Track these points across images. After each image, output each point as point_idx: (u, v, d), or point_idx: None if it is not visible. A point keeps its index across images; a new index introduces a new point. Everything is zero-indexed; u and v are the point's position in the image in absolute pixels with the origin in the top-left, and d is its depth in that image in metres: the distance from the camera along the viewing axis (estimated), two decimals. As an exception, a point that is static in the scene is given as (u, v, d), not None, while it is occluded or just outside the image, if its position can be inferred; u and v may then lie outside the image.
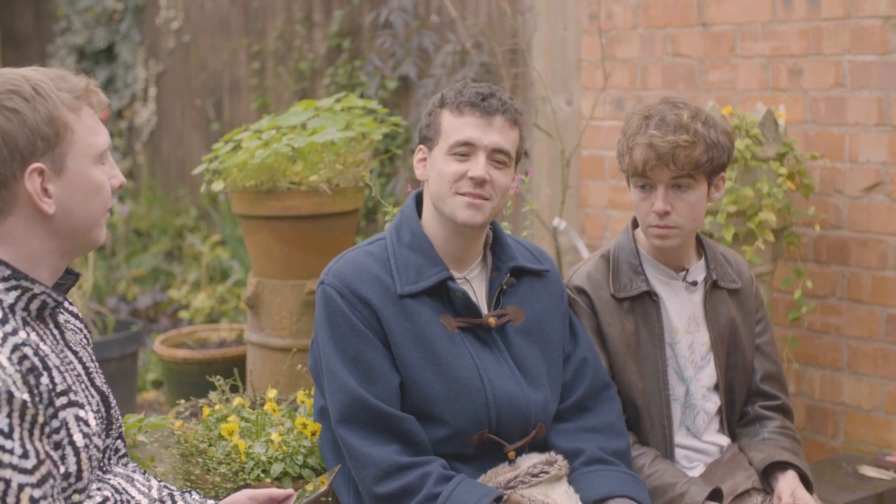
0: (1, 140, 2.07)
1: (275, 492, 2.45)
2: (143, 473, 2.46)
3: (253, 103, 7.14)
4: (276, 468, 3.05)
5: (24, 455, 1.98)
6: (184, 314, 6.69)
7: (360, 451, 2.68)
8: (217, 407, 3.32)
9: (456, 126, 2.76)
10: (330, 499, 2.81)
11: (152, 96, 8.07)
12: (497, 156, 2.75)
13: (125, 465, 2.43)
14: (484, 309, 2.85)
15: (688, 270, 3.10)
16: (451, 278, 2.78)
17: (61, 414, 2.09)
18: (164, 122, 8.02)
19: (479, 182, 2.73)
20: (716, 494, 2.90)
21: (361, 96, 6.05)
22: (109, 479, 2.31)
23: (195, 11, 7.63)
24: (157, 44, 8.00)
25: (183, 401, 3.80)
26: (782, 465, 3.01)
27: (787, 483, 2.97)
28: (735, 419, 3.17)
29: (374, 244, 2.85)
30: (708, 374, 3.11)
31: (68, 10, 8.52)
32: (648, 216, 2.98)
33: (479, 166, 2.73)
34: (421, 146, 2.86)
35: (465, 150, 2.75)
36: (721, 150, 2.96)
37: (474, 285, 2.87)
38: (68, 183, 2.15)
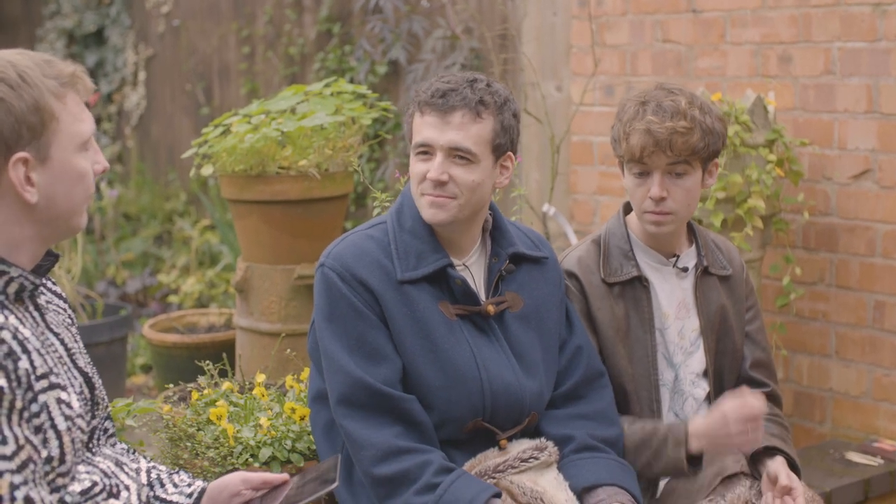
0: None
1: (269, 476, 2.43)
2: (133, 453, 2.45)
3: (242, 88, 7.12)
4: (265, 452, 3.05)
5: (3, 441, 1.97)
6: (173, 298, 6.68)
7: (359, 434, 2.66)
8: (206, 391, 3.32)
9: (418, 126, 2.75)
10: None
11: (142, 80, 8.05)
12: (457, 153, 2.71)
13: (113, 445, 2.42)
14: (482, 295, 2.84)
15: (678, 256, 3.10)
16: (451, 265, 2.77)
17: (41, 397, 2.07)
18: (154, 107, 8.00)
19: (438, 183, 2.71)
20: (695, 459, 2.92)
21: (351, 81, 6.04)
22: (98, 461, 2.30)
23: (185, -5, 7.61)
24: (146, 28, 7.97)
25: (172, 385, 3.79)
26: (770, 451, 3.02)
27: (778, 466, 2.97)
28: (723, 405, 3.18)
29: (375, 227, 2.83)
30: (697, 361, 3.11)
31: (57, -7, 8.50)
32: (644, 202, 2.98)
33: (435, 167, 2.71)
34: None
35: (425, 149, 2.73)
36: (716, 137, 2.96)
37: (473, 271, 2.85)
38: (52, 172, 2.13)
